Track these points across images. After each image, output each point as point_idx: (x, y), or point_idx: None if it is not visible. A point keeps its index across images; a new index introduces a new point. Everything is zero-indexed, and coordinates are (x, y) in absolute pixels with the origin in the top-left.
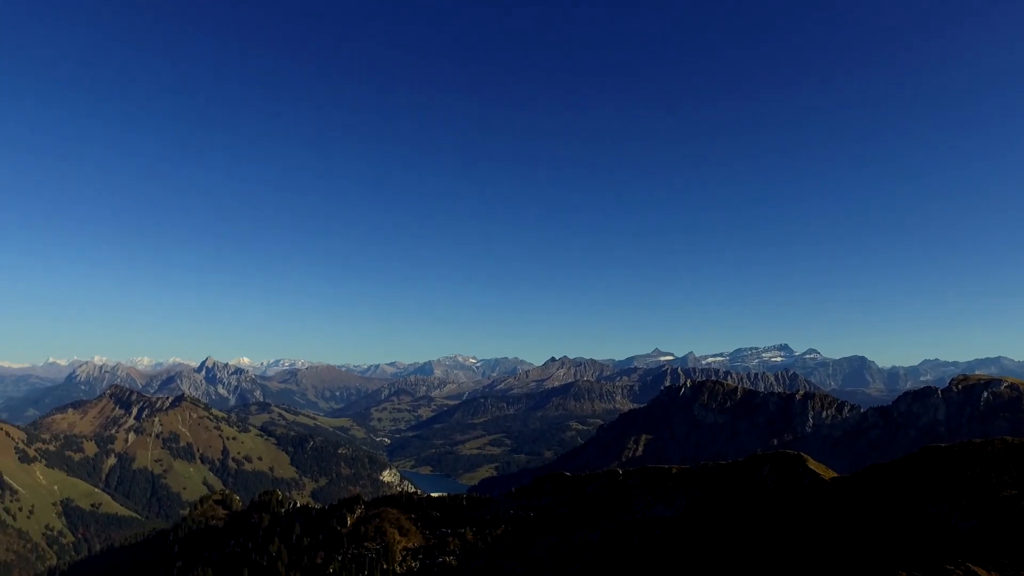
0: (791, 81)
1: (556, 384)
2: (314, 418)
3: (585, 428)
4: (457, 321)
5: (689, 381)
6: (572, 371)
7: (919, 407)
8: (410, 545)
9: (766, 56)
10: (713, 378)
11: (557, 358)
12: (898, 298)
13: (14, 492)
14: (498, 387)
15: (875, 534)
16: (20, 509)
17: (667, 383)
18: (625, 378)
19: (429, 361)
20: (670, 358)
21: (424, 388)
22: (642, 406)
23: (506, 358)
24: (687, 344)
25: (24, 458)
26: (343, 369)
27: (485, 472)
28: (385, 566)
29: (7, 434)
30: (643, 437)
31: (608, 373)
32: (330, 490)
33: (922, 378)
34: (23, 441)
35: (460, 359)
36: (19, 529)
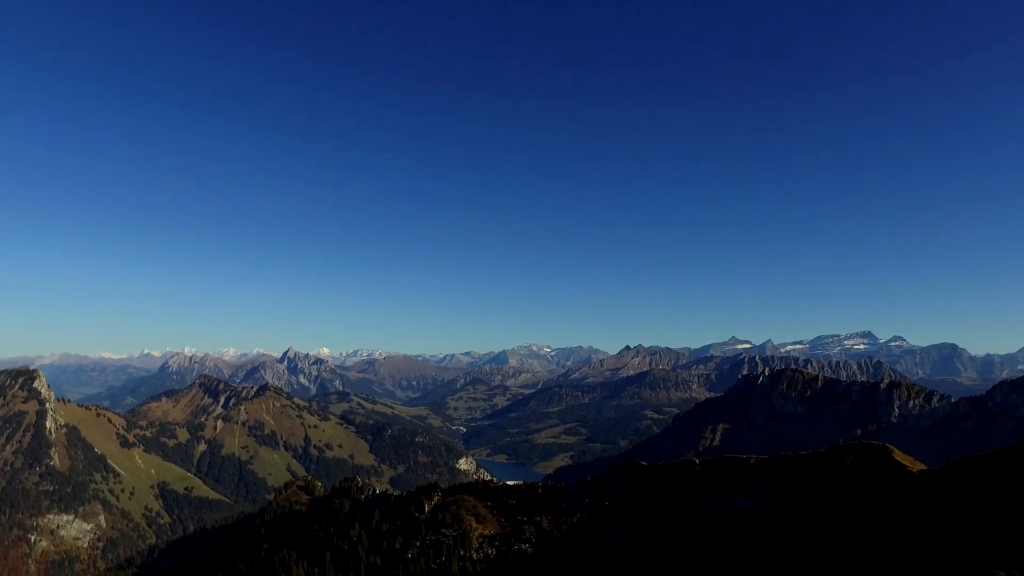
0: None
1: (631, 373)
2: (391, 407)
3: (661, 417)
4: (532, 311)
5: (767, 369)
6: (647, 360)
7: (1017, 397)
8: (486, 532)
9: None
10: (792, 366)
11: (632, 347)
12: (991, 281)
13: (117, 475)
14: (573, 376)
15: (969, 530)
16: (123, 490)
17: (744, 371)
18: (701, 367)
19: (504, 350)
20: (747, 346)
21: (499, 377)
22: (719, 395)
23: (580, 347)
24: (765, 332)
25: (125, 443)
26: (419, 359)
27: (560, 461)
28: (462, 552)
29: (109, 420)
30: (720, 426)
31: (684, 362)
32: (408, 477)
33: (1020, 366)
34: (123, 428)
35: (535, 348)
36: (122, 509)
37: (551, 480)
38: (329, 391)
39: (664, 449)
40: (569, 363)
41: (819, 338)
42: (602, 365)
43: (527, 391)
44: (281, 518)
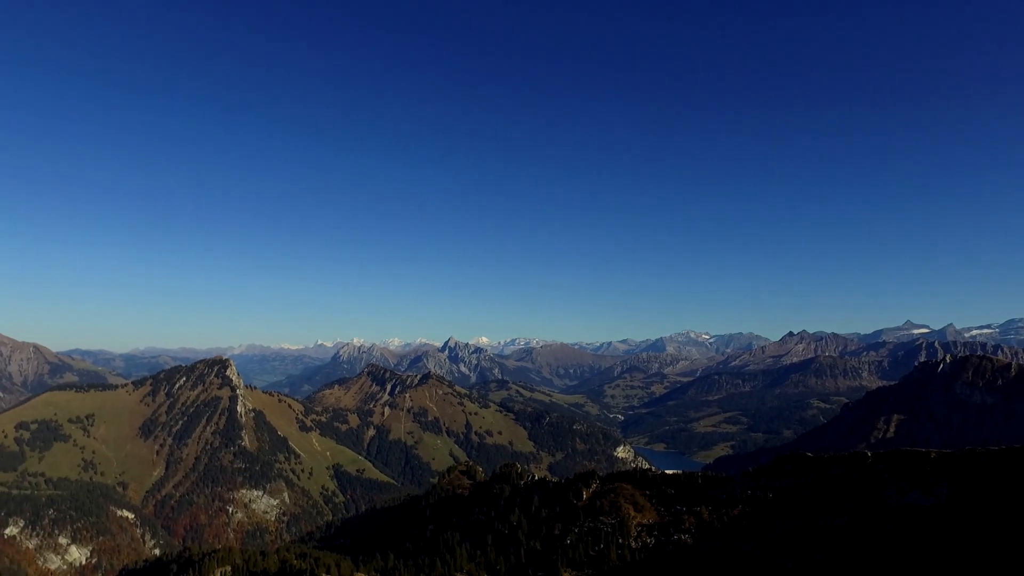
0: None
1: (795, 360)
2: (549, 395)
3: (827, 407)
4: (689, 297)
5: (948, 356)
6: (812, 346)
7: None
8: (645, 521)
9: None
10: (979, 352)
11: (795, 333)
12: None
13: (297, 456)
14: (732, 363)
15: None
16: (303, 470)
17: (922, 358)
18: (872, 353)
19: (661, 338)
20: (925, 331)
21: (656, 365)
22: (892, 383)
23: (740, 333)
24: (945, 316)
25: (303, 427)
26: (576, 347)
27: (720, 450)
28: (620, 540)
29: (289, 406)
30: (894, 418)
31: (853, 348)
32: (566, 464)
33: None
34: (301, 413)
35: (692, 335)
36: (303, 487)
37: (711, 470)
38: (488, 379)
39: (831, 440)
40: (728, 350)
41: (1010, 322)
42: (763, 352)
43: (685, 379)
44: (444, 501)
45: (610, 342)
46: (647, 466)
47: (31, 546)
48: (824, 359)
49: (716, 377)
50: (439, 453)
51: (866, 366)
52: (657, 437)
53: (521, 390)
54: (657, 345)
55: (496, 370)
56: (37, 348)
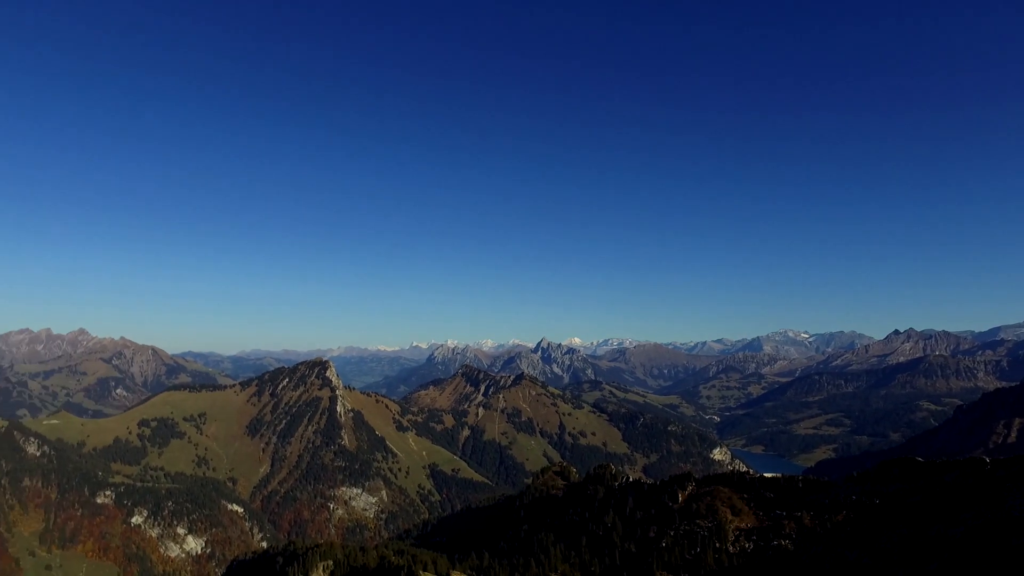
0: None
1: (901, 359)
2: (643, 395)
3: (939, 409)
4: (787, 295)
5: None
6: (920, 345)
7: None
8: (743, 525)
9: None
10: None
11: (901, 331)
12: None
13: (395, 455)
14: (834, 363)
15: None
16: (400, 469)
17: None
18: (989, 352)
19: (757, 337)
20: None
21: (753, 365)
22: (1013, 384)
23: (842, 332)
24: None
25: (400, 427)
26: (669, 347)
27: (822, 453)
28: (718, 544)
29: (386, 407)
30: (1016, 421)
31: (966, 347)
32: (660, 466)
33: None
34: (398, 413)
35: (791, 334)
36: (400, 486)
37: (812, 474)
38: (581, 380)
39: (944, 445)
40: (829, 349)
41: None
42: (867, 351)
43: (783, 379)
44: (538, 501)
45: (704, 342)
46: (744, 469)
47: (154, 535)
48: (934, 358)
49: (816, 377)
50: (533, 453)
51: (982, 366)
52: (755, 439)
53: (614, 391)
54: (754, 345)
55: (589, 371)
56: (155, 351)
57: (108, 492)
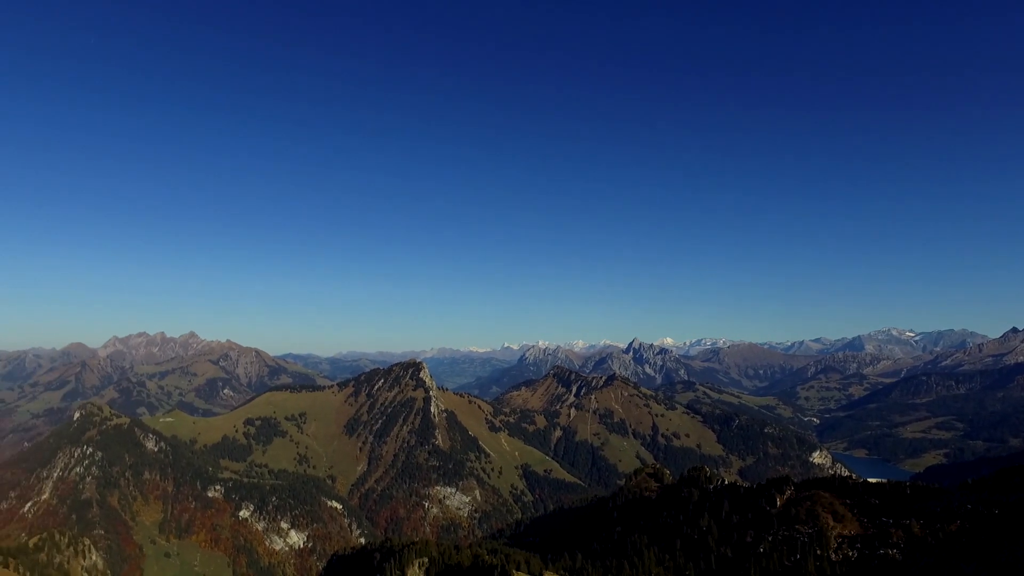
0: None
1: (1020, 359)
2: (738, 396)
3: None
4: (891, 293)
5: None
6: None
7: None
8: (845, 532)
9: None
10: None
11: (1020, 328)
12: None
13: (487, 456)
14: (943, 363)
15: None
16: (492, 469)
17: None
18: None
19: (859, 336)
20: None
21: (854, 365)
22: None
23: (951, 330)
24: None
25: (492, 427)
26: (765, 347)
27: (931, 459)
28: (819, 551)
29: (479, 407)
30: None
31: None
32: (757, 469)
33: None
34: (490, 414)
35: (895, 333)
36: (493, 486)
37: (920, 480)
38: (674, 380)
39: None
40: (938, 348)
41: None
42: (980, 350)
43: (887, 380)
44: (631, 503)
45: (802, 341)
46: (846, 473)
47: (260, 528)
48: None
49: (924, 378)
50: (625, 455)
51: None
52: (857, 442)
53: (708, 391)
54: (854, 344)
55: (682, 371)
56: (258, 353)
57: (218, 487)
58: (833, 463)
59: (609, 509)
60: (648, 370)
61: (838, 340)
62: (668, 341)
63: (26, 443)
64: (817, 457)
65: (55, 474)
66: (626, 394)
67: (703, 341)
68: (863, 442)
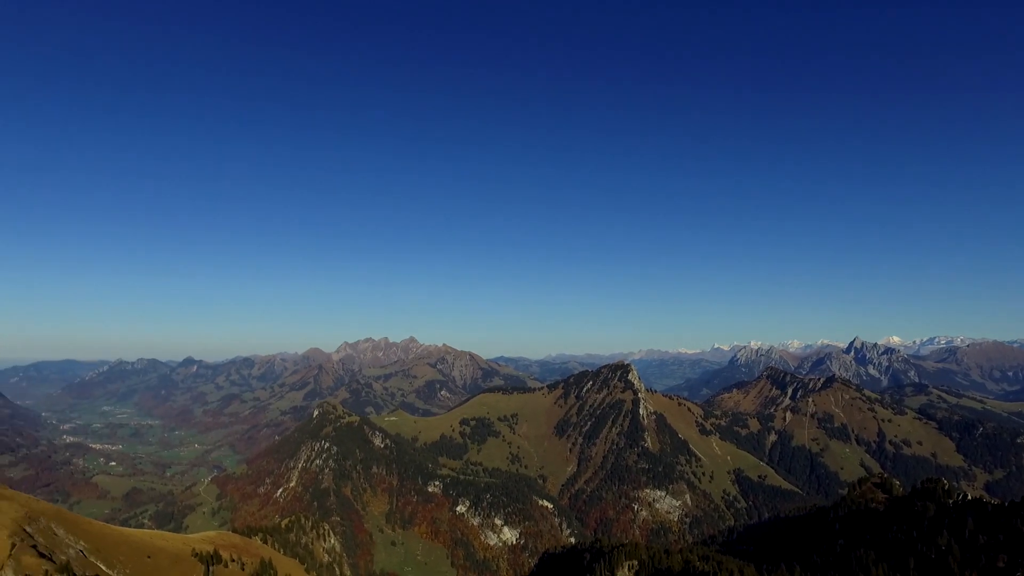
0: None
1: None
2: (981, 401)
3: None
4: None
5: None
6: None
7: None
8: None
9: None
10: None
11: None
12: None
13: (698, 459)
14: None
15: None
16: (703, 473)
17: None
18: None
19: None
20: None
21: None
22: None
23: None
24: None
25: (703, 430)
26: (1014, 345)
27: None
28: None
29: (688, 410)
30: None
31: None
32: (1008, 484)
33: None
34: (700, 416)
35: None
36: (704, 490)
37: None
38: (903, 383)
39: None
40: None
41: None
42: None
43: None
44: (855, 514)
45: None
46: None
47: (475, 523)
48: None
49: None
50: (848, 462)
51: None
52: None
53: (944, 395)
54: None
55: (911, 372)
56: (472, 356)
57: (437, 483)
58: None
59: (830, 520)
60: (872, 371)
61: None
62: (895, 340)
63: (276, 436)
64: None
65: (300, 464)
66: (847, 397)
67: (936, 340)
68: None
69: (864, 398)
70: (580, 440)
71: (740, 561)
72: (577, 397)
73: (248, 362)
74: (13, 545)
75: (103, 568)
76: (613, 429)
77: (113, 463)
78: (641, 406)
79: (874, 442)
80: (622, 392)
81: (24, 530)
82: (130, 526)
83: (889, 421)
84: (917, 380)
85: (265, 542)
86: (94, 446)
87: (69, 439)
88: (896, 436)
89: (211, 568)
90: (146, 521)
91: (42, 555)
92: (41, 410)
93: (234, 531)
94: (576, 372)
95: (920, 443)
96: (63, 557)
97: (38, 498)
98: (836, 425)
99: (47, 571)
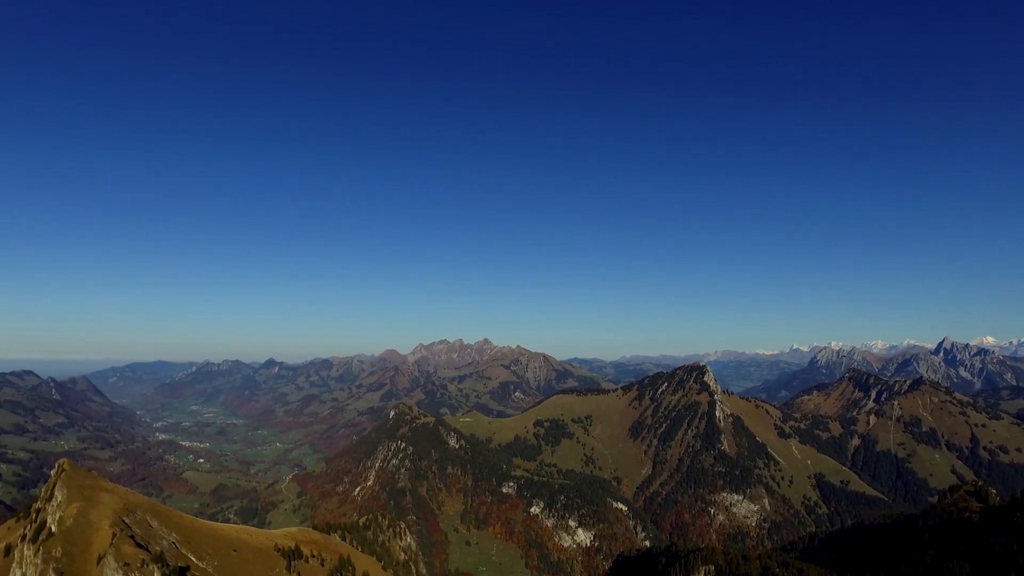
0: None
1: None
2: None
3: None
4: None
5: None
6: None
7: None
8: None
9: None
10: None
11: None
12: None
13: (776, 463)
14: None
15: None
16: (782, 478)
17: None
18: None
19: None
20: None
21: None
22: None
23: None
24: None
25: (781, 433)
26: None
27: None
28: None
29: (766, 412)
30: None
31: None
32: None
33: None
34: (779, 419)
35: None
36: (783, 495)
37: None
38: (998, 386)
39: None
40: None
41: None
42: None
43: None
44: (947, 524)
45: None
46: None
47: (549, 524)
48: None
49: None
50: (937, 469)
51: None
52: None
53: None
54: None
55: (1008, 375)
56: (546, 358)
57: (511, 483)
58: None
59: (919, 529)
60: (963, 373)
61: None
62: (989, 340)
63: (354, 436)
64: None
65: (377, 464)
66: (936, 400)
67: None
68: None
69: (955, 401)
70: (655, 442)
71: (822, 569)
72: (652, 399)
73: (327, 364)
74: (114, 535)
75: (193, 559)
76: (688, 431)
77: (201, 460)
78: (717, 408)
79: (966, 448)
80: (697, 394)
81: (123, 521)
82: (217, 520)
83: (983, 426)
84: (1014, 383)
85: (344, 539)
86: (184, 443)
87: (161, 436)
88: (991, 442)
89: (292, 563)
90: (232, 516)
91: (139, 545)
92: (136, 408)
93: (314, 528)
94: (650, 373)
95: (1019, 450)
96: (157, 548)
97: (135, 491)
98: (924, 430)
99: (144, 560)
